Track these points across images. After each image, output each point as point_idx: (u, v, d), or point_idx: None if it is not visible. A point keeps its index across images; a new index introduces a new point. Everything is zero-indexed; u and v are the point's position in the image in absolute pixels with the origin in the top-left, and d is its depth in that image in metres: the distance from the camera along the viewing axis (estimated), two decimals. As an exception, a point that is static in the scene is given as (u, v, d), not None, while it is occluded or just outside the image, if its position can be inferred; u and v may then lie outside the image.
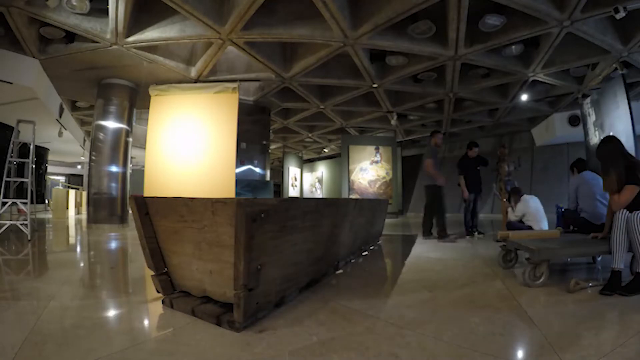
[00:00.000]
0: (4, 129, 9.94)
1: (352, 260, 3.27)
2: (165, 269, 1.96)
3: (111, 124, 6.98)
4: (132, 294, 2.23)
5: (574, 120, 9.24)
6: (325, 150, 15.59)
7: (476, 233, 5.71)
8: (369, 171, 10.98)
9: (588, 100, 7.26)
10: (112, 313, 1.83)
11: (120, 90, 7.13)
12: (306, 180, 15.93)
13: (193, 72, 6.84)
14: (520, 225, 4.41)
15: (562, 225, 3.58)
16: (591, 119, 7.12)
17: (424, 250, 4.13)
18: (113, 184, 6.91)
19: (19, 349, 1.29)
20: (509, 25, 5.35)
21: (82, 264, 3.33)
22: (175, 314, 1.74)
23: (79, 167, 19.04)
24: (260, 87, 8.11)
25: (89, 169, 7.23)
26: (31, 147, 5.51)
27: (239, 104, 6.85)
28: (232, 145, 6.66)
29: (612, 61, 6.16)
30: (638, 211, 2.13)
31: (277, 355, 1.28)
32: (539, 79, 7.37)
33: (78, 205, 12.68)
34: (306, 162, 16.22)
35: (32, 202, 5.18)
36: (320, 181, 15.72)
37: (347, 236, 2.97)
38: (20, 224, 4.80)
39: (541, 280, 2.27)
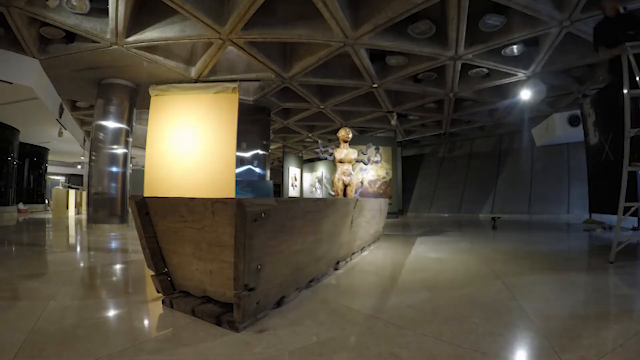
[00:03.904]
0: (4, 129, 9.95)
1: (352, 260, 3.27)
2: (165, 269, 1.96)
3: (111, 124, 6.98)
4: (132, 294, 2.23)
5: (574, 120, 9.24)
6: (325, 150, 15.57)
7: None
8: (369, 171, 10.98)
9: (588, 100, 7.26)
10: (112, 313, 1.83)
11: (120, 90, 7.13)
12: (306, 180, 15.92)
13: (193, 72, 6.85)
14: None
15: None
16: (591, 119, 7.12)
17: (424, 250, 4.13)
18: (113, 184, 6.92)
19: (19, 349, 1.29)
20: (509, 25, 5.36)
21: (82, 264, 3.33)
22: (175, 314, 1.74)
23: (79, 167, 19.05)
24: (260, 87, 8.11)
25: (89, 169, 7.23)
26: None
27: (239, 104, 6.85)
28: (232, 146, 6.66)
29: (612, 61, 6.16)
30: None
31: (277, 355, 1.28)
32: (540, 79, 7.38)
33: (78, 205, 12.68)
34: (306, 162, 16.21)
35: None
36: (320, 181, 15.72)
37: (347, 236, 2.97)
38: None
39: None
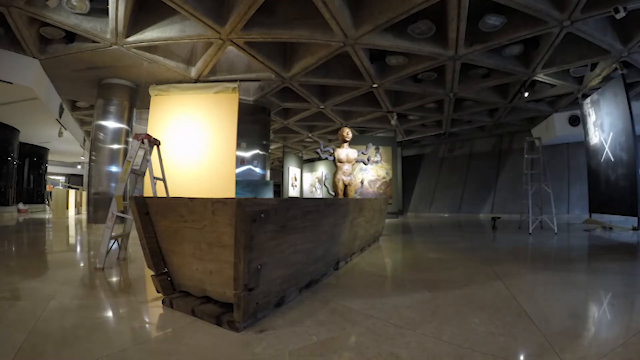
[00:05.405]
0: (4, 128, 9.96)
1: (352, 260, 3.27)
2: (165, 269, 1.96)
3: (111, 124, 6.99)
4: (132, 294, 2.23)
5: (574, 120, 9.25)
6: (325, 150, 15.57)
7: None
8: (369, 171, 10.98)
9: (588, 100, 7.26)
10: (112, 313, 1.83)
11: (120, 90, 7.14)
12: (306, 180, 15.92)
13: (193, 72, 6.85)
14: None
15: None
16: (591, 119, 7.12)
17: (424, 250, 4.13)
18: (113, 184, 6.92)
19: (19, 349, 1.29)
20: (509, 25, 5.36)
21: (82, 264, 3.33)
22: (175, 314, 1.74)
23: (79, 167, 19.04)
24: (260, 87, 8.11)
25: (89, 169, 7.24)
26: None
27: (239, 104, 6.85)
28: (232, 146, 6.66)
29: (612, 61, 6.17)
30: None
31: (277, 355, 1.28)
32: (539, 79, 7.37)
33: (78, 205, 12.67)
34: (306, 162, 16.21)
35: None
36: (320, 181, 15.72)
37: (347, 236, 2.97)
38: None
39: None
